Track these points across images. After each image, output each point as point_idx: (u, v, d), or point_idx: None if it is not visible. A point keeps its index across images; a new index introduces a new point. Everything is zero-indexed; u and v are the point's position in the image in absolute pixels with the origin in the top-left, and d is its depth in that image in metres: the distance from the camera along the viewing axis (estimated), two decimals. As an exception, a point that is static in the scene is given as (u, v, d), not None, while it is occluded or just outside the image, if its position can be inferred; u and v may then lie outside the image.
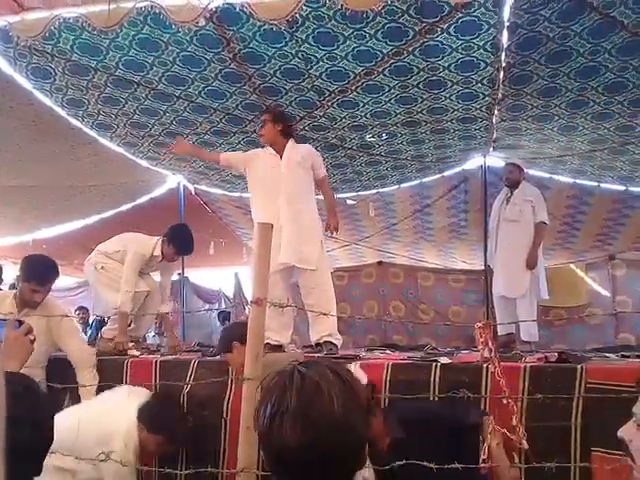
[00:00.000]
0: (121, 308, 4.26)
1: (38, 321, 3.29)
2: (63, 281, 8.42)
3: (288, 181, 3.98)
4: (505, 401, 2.26)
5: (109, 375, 3.61)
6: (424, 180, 6.49)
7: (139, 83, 4.07)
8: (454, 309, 7.84)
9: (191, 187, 7.12)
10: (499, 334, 4.86)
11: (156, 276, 4.76)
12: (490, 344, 2.36)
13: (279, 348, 3.91)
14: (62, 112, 4.54)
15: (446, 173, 6.36)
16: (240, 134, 4.99)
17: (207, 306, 9.64)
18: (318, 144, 5.14)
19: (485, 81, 3.92)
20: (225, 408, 3.29)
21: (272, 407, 0.98)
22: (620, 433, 1.65)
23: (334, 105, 4.40)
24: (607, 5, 3.06)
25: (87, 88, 4.17)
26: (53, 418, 1.22)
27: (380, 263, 8.37)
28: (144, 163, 5.91)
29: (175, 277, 8.61)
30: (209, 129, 4.89)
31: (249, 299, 2.12)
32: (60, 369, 3.60)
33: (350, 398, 0.98)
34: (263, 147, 4.21)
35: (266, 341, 3.50)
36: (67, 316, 3.74)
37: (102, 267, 4.45)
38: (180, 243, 4.52)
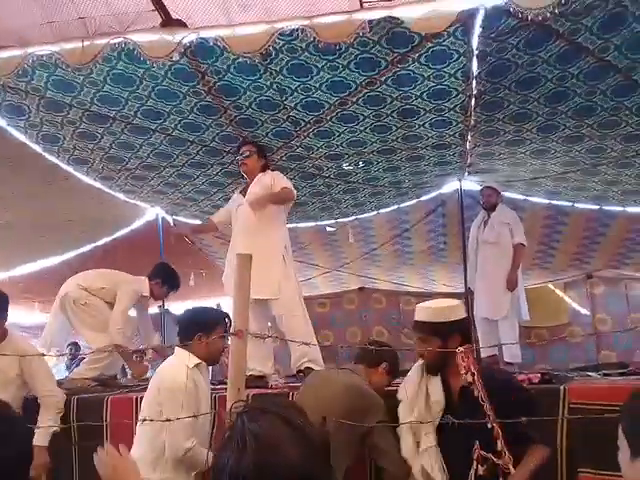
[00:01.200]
0: (117, 343, 4.28)
1: (9, 359, 3.22)
2: (40, 318, 8.24)
3: (245, 214, 4.18)
4: (489, 425, 2.26)
5: (89, 414, 3.53)
6: (402, 205, 6.53)
7: (114, 118, 4.08)
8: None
9: (170, 218, 7.08)
10: (482, 356, 4.87)
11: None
12: (472, 368, 2.36)
13: (262, 379, 3.88)
14: (38, 148, 4.52)
15: (423, 198, 6.41)
16: (217, 165, 5.00)
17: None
18: (296, 173, 5.17)
19: (457, 108, 3.98)
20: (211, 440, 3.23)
21: (230, 475, 0.97)
22: None
23: (310, 135, 4.43)
24: (572, 32, 3.15)
25: (62, 124, 4.16)
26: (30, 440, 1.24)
27: (362, 289, 8.37)
28: (121, 196, 5.88)
29: (155, 310, 8.58)
30: (186, 162, 4.89)
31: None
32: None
33: (306, 445, 0.97)
34: (236, 179, 4.29)
35: (249, 372, 3.48)
36: (43, 354, 3.67)
37: (84, 303, 4.39)
38: (172, 282, 4.69)
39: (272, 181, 4.21)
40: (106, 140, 4.44)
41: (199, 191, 5.68)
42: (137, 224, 7.05)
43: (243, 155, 4.32)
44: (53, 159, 4.74)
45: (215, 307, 8.35)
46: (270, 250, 4.07)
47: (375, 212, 6.67)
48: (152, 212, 6.82)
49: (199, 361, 2.84)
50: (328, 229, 6.97)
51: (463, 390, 2.43)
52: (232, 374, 2.01)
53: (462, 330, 2.51)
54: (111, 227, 7.01)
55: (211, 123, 4.24)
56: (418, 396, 2.54)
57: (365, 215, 6.74)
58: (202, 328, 2.86)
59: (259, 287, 3.84)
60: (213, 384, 3.42)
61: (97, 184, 5.42)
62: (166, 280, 4.65)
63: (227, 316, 2.77)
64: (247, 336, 2.10)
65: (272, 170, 4.41)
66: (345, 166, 5.12)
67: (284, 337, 3.81)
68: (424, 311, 2.54)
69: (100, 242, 7.27)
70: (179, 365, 2.78)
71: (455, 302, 2.62)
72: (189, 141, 4.51)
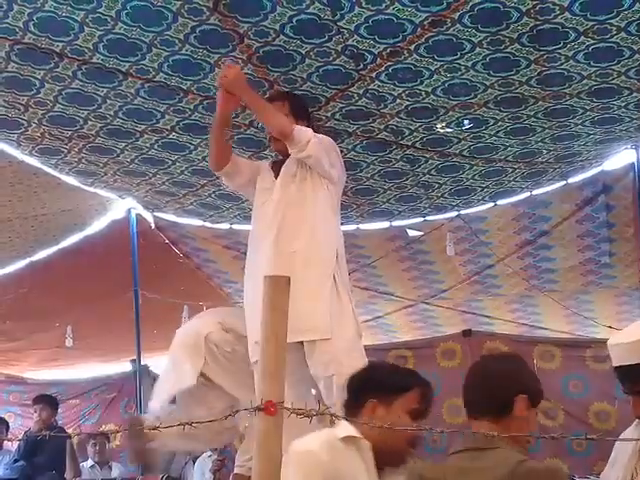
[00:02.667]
0: None
1: None
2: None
3: (278, 209, 4.24)
4: None
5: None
6: (535, 192, 6.46)
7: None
8: (597, 407, 7.68)
9: (149, 217, 7.24)
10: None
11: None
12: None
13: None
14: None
15: (573, 180, 6.33)
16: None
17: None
18: (357, 141, 5.21)
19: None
20: None
21: None
22: None
23: (382, 76, 4.44)
24: None
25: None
26: None
27: (467, 333, 8.27)
28: (72, 181, 6.02)
29: (126, 366, 8.74)
30: (177, 124, 4.97)
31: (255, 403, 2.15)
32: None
33: None
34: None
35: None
36: None
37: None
38: None
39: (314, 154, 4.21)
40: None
41: (196, 171, 5.80)
42: (95, 227, 7.27)
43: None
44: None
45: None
46: (317, 267, 4.13)
47: (491, 204, 6.64)
48: (121, 207, 7.03)
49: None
50: (411, 233, 6.93)
51: None
52: (259, 470, 2.05)
53: None
54: (47, 235, 7.20)
55: (218, 60, 4.28)
56: None
57: (473, 209, 6.70)
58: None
59: (299, 321, 3.90)
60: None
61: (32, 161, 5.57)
62: None
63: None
64: (283, 412, 2.12)
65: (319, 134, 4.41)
66: (440, 127, 5.10)
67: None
68: (631, 347, 2.52)
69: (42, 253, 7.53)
70: None
71: None
72: (182, 90, 4.59)
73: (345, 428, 2.97)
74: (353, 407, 3.02)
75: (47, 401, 7.83)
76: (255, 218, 4.46)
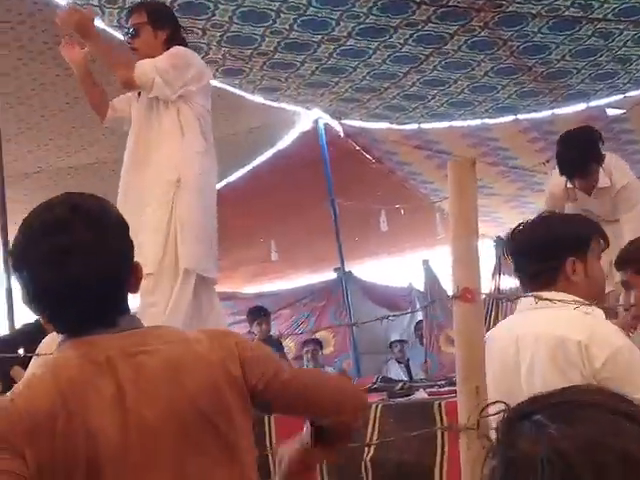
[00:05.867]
0: None
1: None
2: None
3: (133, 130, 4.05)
4: None
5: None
6: None
7: None
8: None
9: (336, 125, 7.26)
10: None
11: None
12: None
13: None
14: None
15: None
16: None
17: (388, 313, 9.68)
18: (542, 22, 4.95)
19: None
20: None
21: None
22: None
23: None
24: None
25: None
26: None
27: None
28: (256, 98, 6.09)
29: (330, 275, 8.88)
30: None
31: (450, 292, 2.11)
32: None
33: None
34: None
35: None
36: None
37: None
38: None
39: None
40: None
41: (377, 75, 5.72)
42: (285, 142, 7.38)
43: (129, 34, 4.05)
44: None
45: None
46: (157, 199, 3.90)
47: None
48: (308, 118, 7.09)
49: None
50: (610, 112, 6.60)
51: None
52: (463, 361, 2.01)
53: None
54: (241, 152, 7.32)
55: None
56: None
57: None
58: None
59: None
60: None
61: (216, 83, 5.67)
62: None
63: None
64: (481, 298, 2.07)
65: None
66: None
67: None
68: None
69: (238, 174, 7.75)
70: None
71: None
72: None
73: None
74: (545, 271, 2.55)
75: (265, 313, 7.93)
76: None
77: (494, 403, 1.37)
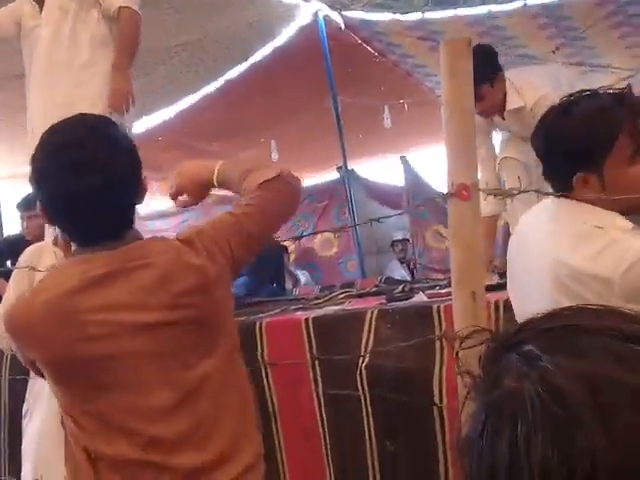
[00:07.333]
0: None
1: None
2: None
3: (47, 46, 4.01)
4: None
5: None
6: None
7: None
8: None
9: (337, 17, 7.09)
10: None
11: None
12: None
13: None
14: None
15: None
16: None
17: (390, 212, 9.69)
18: None
19: None
20: (437, 391, 3.19)
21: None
22: None
23: None
24: None
25: None
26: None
27: None
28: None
29: (332, 175, 8.76)
30: None
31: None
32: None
33: None
34: None
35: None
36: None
37: None
38: None
39: None
40: None
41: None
42: (283, 37, 7.22)
43: None
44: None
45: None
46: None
47: None
48: (307, 11, 6.97)
49: None
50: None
51: None
52: (458, 264, 1.96)
53: None
54: (238, 49, 7.22)
55: None
56: None
57: None
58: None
59: None
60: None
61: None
62: None
63: None
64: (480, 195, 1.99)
65: None
66: None
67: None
68: None
69: (234, 71, 7.63)
70: None
71: None
72: None
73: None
74: (557, 185, 2.21)
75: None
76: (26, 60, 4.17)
77: None
